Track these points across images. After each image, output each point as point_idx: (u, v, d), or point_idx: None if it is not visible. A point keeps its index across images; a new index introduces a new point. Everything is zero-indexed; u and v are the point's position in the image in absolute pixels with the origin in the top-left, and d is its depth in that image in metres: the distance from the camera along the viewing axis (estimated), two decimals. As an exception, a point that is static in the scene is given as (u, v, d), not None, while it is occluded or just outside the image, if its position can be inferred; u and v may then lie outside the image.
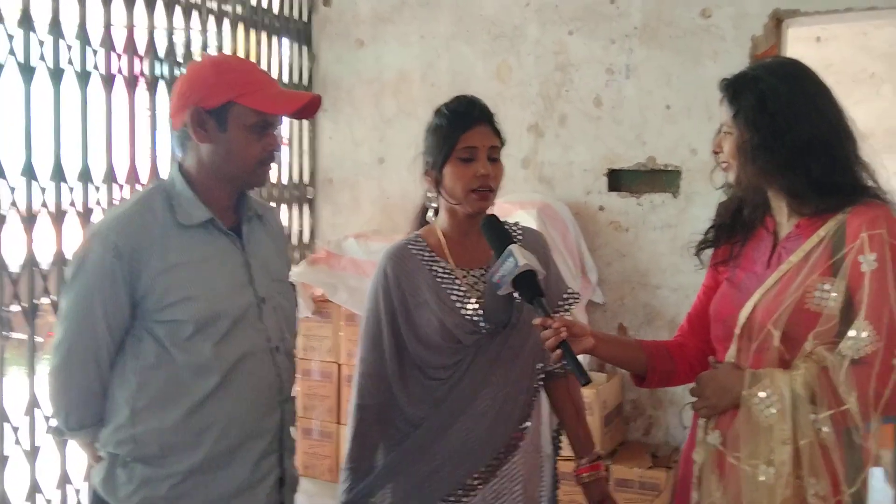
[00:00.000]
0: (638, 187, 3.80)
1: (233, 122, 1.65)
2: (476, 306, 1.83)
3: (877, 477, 1.50)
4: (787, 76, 1.60)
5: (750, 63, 2.91)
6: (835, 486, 1.46)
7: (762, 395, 1.50)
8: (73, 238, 2.79)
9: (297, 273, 3.86)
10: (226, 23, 3.73)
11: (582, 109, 3.85)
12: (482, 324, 1.82)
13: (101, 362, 1.66)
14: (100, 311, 1.62)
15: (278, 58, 4.15)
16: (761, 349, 1.56)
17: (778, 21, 3.49)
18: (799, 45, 4.13)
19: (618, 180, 3.85)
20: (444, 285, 1.85)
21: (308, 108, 1.74)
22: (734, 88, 1.63)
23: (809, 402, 1.46)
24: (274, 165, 1.75)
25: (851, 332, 1.46)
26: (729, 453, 1.56)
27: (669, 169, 3.71)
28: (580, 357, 1.62)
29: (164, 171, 3.06)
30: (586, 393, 3.38)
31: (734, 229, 1.74)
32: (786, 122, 1.55)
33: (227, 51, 3.71)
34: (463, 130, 1.83)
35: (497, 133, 1.88)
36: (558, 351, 1.59)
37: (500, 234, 1.77)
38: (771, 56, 3.37)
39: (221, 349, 1.65)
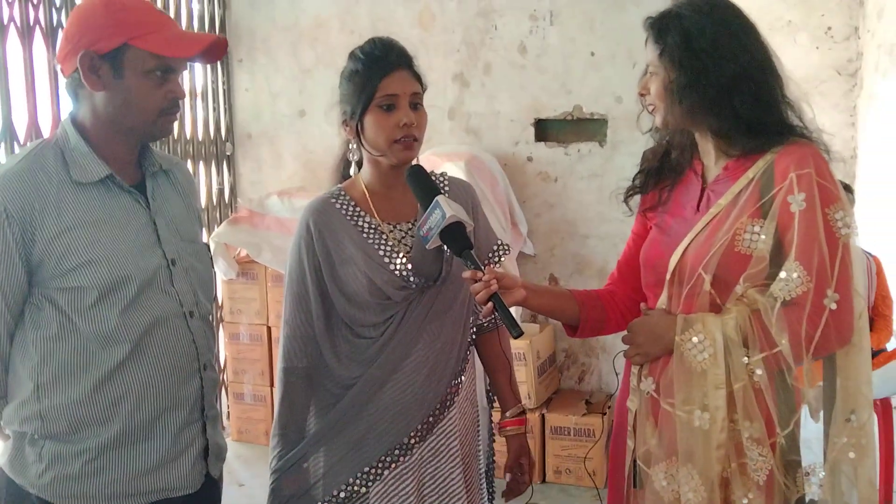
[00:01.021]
0: (565, 137, 3.78)
1: (129, 67, 1.52)
2: (404, 261, 1.76)
3: (806, 414, 1.51)
4: (712, 13, 1.57)
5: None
6: (769, 428, 1.47)
7: (695, 340, 1.49)
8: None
9: (218, 234, 3.73)
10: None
11: (506, 58, 3.78)
12: (412, 279, 1.76)
13: None
14: None
15: (187, 6, 3.93)
16: (692, 294, 1.55)
17: (701, -35, 3.47)
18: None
19: (545, 130, 3.82)
20: (370, 241, 1.78)
21: (213, 52, 1.62)
22: (659, 27, 1.59)
23: (742, 346, 1.46)
24: (180, 117, 1.62)
25: (782, 274, 1.45)
26: (663, 400, 1.55)
27: (595, 118, 3.69)
28: (512, 309, 1.58)
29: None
30: (520, 344, 3.39)
31: (662, 174, 1.72)
32: (711, 59, 1.52)
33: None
34: (381, 77, 1.73)
35: (418, 78, 1.79)
36: (489, 304, 1.55)
37: (426, 185, 1.71)
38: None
39: (129, 316, 1.55)
